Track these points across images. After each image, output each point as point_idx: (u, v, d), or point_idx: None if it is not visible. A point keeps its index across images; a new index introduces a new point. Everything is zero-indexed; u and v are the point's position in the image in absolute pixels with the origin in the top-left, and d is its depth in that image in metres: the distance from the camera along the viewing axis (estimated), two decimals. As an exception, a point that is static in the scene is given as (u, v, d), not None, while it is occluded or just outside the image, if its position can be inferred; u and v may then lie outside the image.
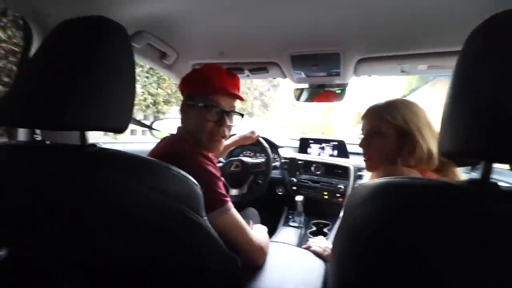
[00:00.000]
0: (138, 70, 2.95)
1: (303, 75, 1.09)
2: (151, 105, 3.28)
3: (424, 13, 0.66)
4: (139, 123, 1.26)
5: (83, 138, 0.45)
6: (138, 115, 3.12)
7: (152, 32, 0.87)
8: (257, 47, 0.95)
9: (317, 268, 0.77)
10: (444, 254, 0.28)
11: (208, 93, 0.70)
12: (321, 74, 1.06)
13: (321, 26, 0.78)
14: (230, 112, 0.74)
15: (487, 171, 0.31)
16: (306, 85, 1.25)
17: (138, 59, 1.01)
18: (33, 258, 0.64)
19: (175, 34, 0.90)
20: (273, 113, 7.99)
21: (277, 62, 1.04)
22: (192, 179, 0.49)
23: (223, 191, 0.63)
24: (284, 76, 1.17)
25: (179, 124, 0.77)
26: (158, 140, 0.77)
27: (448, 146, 0.32)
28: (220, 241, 0.56)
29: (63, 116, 0.39)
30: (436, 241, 0.28)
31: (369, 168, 0.74)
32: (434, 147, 0.63)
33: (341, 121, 10.02)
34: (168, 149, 0.67)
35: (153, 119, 2.90)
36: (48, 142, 0.51)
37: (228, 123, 0.74)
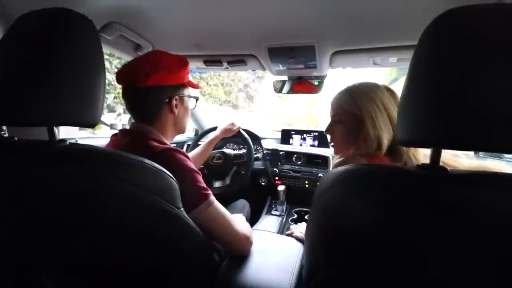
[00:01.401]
0: (116, 61, 2.84)
1: (281, 67, 1.11)
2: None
3: (391, 8, 0.69)
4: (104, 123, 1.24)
5: (51, 133, 0.44)
6: (117, 108, 3.03)
7: (124, 23, 0.85)
8: (234, 39, 0.95)
9: (296, 253, 0.81)
10: (399, 236, 0.30)
11: (179, 84, 0.73)
12: (298, 66, 1.08)
13: (295, 19, 0.79)
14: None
15: (437, 156, 0.34)
16: (285, 77, 1.27)
17: (111, 51, 0.98)
18: (10, 253, 0.63)
19: (149, 25, 0.88)
20: (258, 105, 7.98)
21: (254, 54, 1.05)
22: (166, 171, 0.49)
23: (204, 185, 0.63)
24: (263, 68, 1.18)
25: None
26: None
27: (403, 134, 0.35)
28: (199, 232, 0.57)
29: (29, 112, 0.38)
30: (391, 224, 0.30)
31: (336, 152, 0.79)
32: (385, 132, 0.63)
33: (327, 112, 10.15)
34: (138, 146, 0.62)
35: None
36: (16, 138, 0.50)
37: None
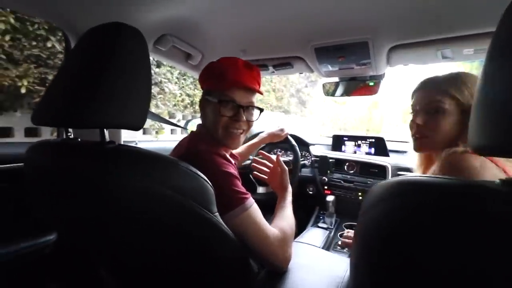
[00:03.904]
0: (176, 73, 3.13)
1: (330, 68, 1.03)
2: (188, 106, 3.46)
3: None
4: (170, 123, 1.34)
5: (103, 135, 0.49)
6: (177, 115, 3.32)
7: (176, 34, 0.91)
8: (279, 41, 0.93)
9: (342, 272, 0.73)
10: (462, 261, 0.25)
11: (222, 87, 0.67)
12: (350, 66, 0.99)
13: (345, 13, 0.72)
14: (247, 107, 0.70)
15: None
16: (336, 79, 1.18)
17: (165, 61, 1.07)
18: (75, 242, 0.72)
19: (198, 35, 0.92)
20: (311, 110, 7.76)
21: (301, 56, 1.01)
22: (202, 175, 0.49)
23: (241, 189, 0.61)
24: (311, 70, 1.12)
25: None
26: None
27: (479, 140, 0.28)
28: (233, 238, 0.56)
29: (84, 116, 0.43)
30: (455, 247, 0.26)
31: (419, 147, 0.64)
32: None
33: (389, 116, 9.25)
34: (185, 148, 0.67)
35: (191, 119, 3.06)
36: (79, 140, 0.57)
37: (245, 118, 0.70)
